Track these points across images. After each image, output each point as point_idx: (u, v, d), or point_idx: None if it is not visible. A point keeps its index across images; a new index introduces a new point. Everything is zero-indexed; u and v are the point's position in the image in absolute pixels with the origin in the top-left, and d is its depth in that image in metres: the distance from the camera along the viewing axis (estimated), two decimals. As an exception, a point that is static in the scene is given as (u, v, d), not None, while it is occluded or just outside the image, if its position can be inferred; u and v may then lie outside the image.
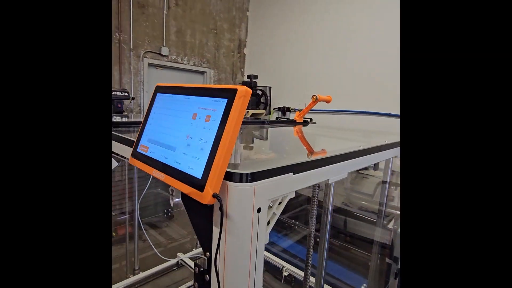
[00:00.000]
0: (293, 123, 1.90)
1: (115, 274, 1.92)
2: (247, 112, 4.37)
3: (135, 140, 0.70)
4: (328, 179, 0.71)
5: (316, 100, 1.74)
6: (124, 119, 1.95)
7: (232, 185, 0.49)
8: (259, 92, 4.62)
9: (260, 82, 4.67)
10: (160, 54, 4.22)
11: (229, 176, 0.49)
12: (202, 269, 0.58)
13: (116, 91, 3.24)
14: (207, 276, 0.57)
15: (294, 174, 0.59)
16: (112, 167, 1.21)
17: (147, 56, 4.11)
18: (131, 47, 3.92)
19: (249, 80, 4.50)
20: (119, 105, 3.27)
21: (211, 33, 4.82)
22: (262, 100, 4.66)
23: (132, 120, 1.95)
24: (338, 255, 2.40)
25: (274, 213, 0.57)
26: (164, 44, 4.23)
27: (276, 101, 4.78)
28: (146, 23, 4.04)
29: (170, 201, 0.64)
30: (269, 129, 1.76)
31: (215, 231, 0.53)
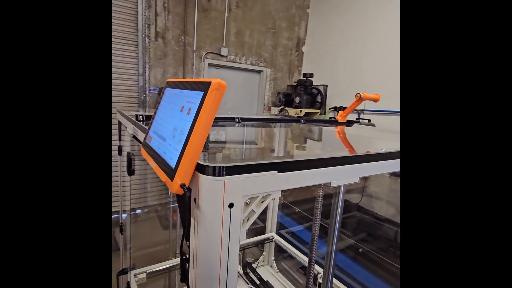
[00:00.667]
0: (334, 123, 1.79)
1: (159, 255, 2.13)
2: (300, 111, 4.29)
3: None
4: (330, 182, 0.65)
5: (360, 98, 1.60)
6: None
7: (203, 178, 0.49)
8: (315, 91, 4.48)
9: (317, 81, 4.52)
10: (219, 54, 4.46)
11: (201, 169, 0.50)
12: (184, 257, 0.60)
13: (177, 89, 3.55)
14: (187, 264, 0.58)
15: (278, 172, 0.56)
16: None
17: (208, 57, 4.39)
18: (194, 49, 4.24)
19: (304, 78, 4.41)
20: (179, 102, 3.57)
21: (269, 33, 4.87)
22: (317, 99, 4.51)
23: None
24: (385, 271, 2.18)
25: (252, 211, 0.55)
26: (223, 45, 4.46)
27: (333, 101, 4.56)
28: (208, 26, 4.31)
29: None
30: (293, 128, 1.68)
31: (192, 221, 0.54)
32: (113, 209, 3.77)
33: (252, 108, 5.07)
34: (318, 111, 4.40)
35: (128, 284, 1.57)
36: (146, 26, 3.81)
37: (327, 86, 4.49)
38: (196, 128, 0.48)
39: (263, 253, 2.54)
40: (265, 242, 2.48)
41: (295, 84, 4.60)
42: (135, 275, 1.78)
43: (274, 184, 0.56)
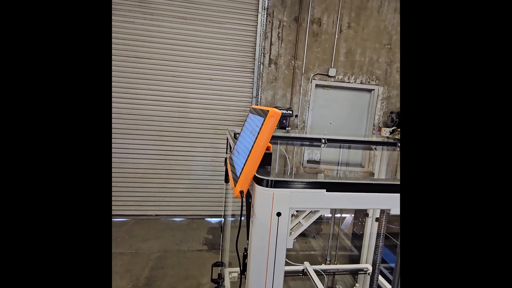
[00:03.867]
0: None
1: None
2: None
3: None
4: (390, 209, 0.63)
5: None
6: (280, 134, 2.27)
7: (257, 188, 0.61)
8: (438, 111, 3.86)
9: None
10: (327, 75, 4.52)
11: (257, 180, 0.61)
12: (245, 253, 0.71)
13: (282, 109, 3.83)
14: (246, 260, 0.70)
15: (327, 191, 0.60)
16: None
17: (315, 78, 4.53)
18: (303, 72, 4.47)
19: (424, 96, 3.88)
20: (284, 121, 3.84)
21: (384, 49, 4.58)
22: (441, 120, 3.86)
23: (290, 135, 2.16)
24: None
25: (300, 223, 0.62)
26: (332, 66, 4.50)
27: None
28: (318, 48, 4.47)
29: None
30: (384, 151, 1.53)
31: (250, 223, 0.66)
32: (216, 213, 4.32)
33: (360, 129, 4.82)
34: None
35: (219, 275, 1.81)
36: (262, 54, 4.33)
37: (455, 104, 3.78)
38: (255, 147, 0.61)
39: (357, 284, 2.35)
40: (359, 272, 2.29)
41: (412, 102, 4.10)
42: (229, 272, 2.03)
43: (322, 202, 0.61)
